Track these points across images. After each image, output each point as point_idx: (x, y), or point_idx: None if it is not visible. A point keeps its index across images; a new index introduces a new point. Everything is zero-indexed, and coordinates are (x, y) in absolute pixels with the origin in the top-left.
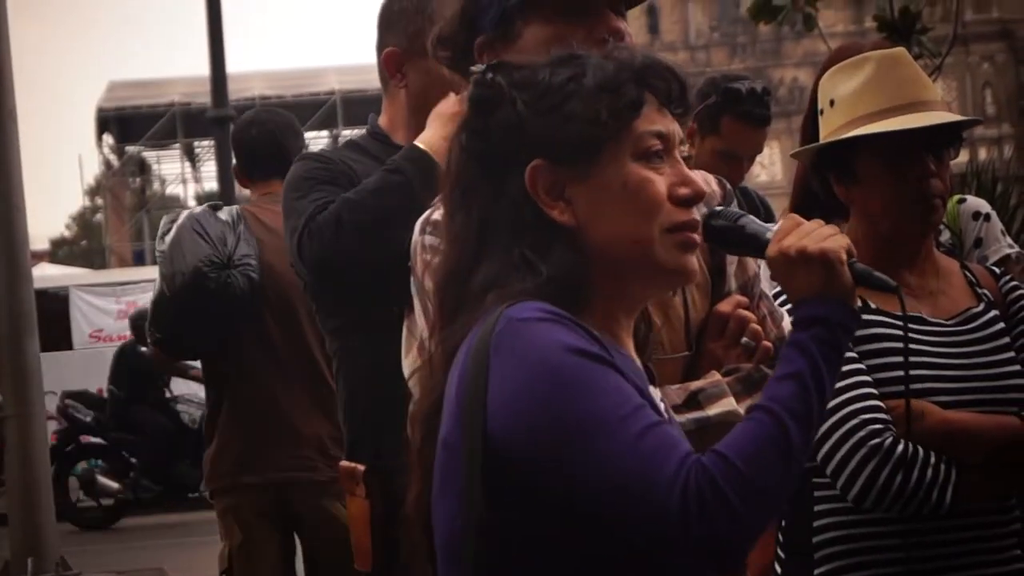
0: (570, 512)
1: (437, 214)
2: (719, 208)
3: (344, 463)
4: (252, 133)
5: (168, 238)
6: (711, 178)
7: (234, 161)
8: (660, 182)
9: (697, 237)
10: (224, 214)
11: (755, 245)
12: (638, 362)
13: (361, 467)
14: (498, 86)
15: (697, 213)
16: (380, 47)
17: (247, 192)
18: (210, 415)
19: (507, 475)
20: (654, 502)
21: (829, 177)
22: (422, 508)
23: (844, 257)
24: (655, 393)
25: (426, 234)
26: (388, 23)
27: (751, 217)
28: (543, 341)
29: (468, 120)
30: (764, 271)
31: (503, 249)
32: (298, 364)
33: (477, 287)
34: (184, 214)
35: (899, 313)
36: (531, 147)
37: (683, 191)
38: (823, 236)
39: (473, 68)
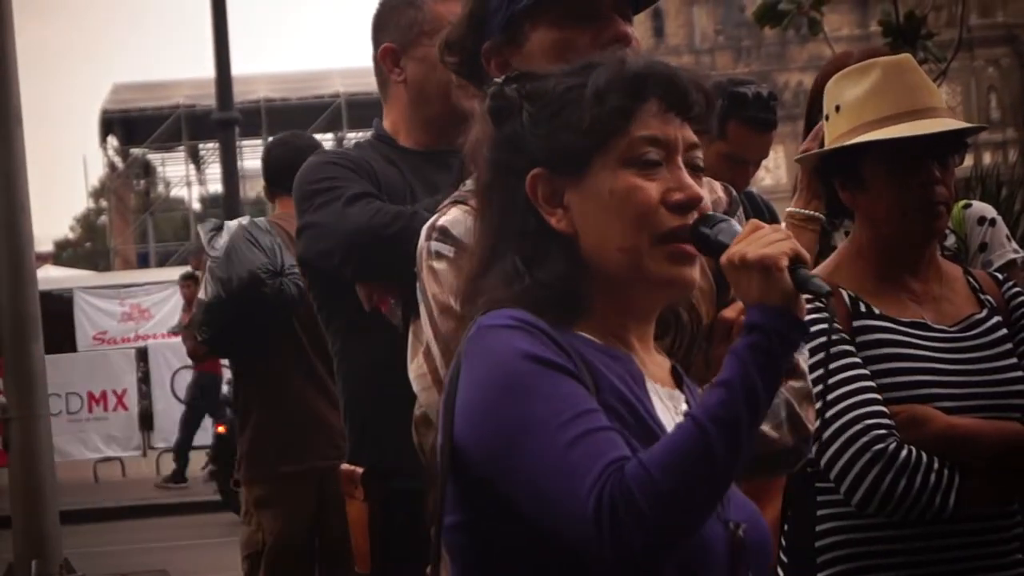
0: (518, 514)
1: (443, 220)
2: (709, 214)
3: (344, 466)
4: (278, 152)
5: (221, 244)
6: (717, 185)
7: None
8: (651, 188)
9: (689, 248)
10: (263, 224)
11: (718, 251)
12: (651, 365)
13: (360, 469)
14: (509, 97)
15: (688, 219)
16: (375, 50)
17: (252, 194)
18: (244, 411)
19: (469, 476)
20: (573, 510)
21: (834, 182)
22: (437, 509)
23: (783, 263)
24: (664, 392)
25: (432, 240)
26: (381, 25)
27: (731, 223)
28: (501, 347)
29: (489, 131)
30: None
31: (508, 255)
32: (322, 364)
33: (478, 294)
34: (234, 223)
35: (906, 319)
36: (532, 156)
37: (676, 196)
38: (767, 242)
39: (496, 79)
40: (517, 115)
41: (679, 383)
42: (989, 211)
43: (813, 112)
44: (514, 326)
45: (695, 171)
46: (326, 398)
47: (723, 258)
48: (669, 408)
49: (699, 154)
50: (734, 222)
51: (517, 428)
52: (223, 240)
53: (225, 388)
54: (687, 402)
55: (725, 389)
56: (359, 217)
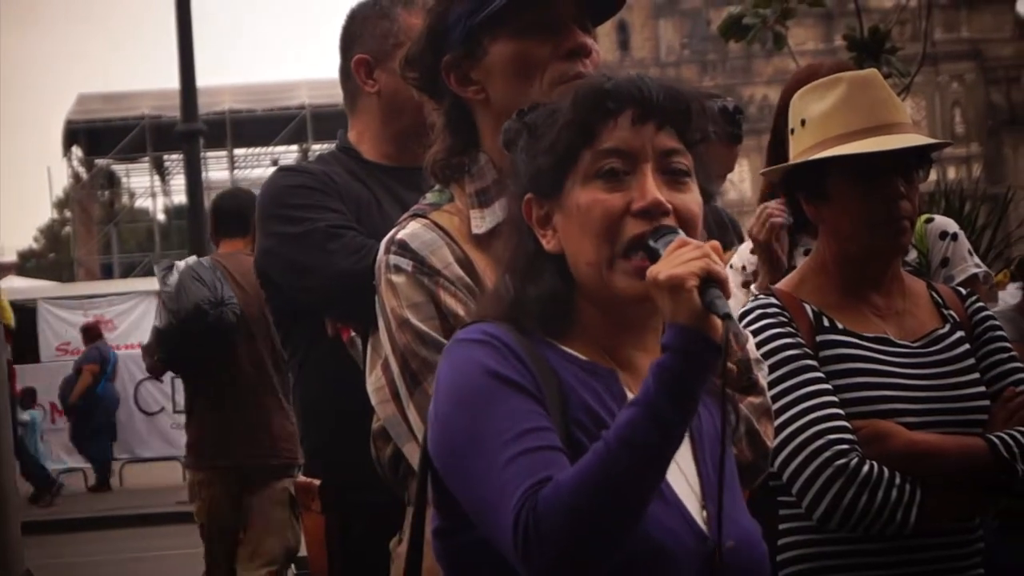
0: (471, 519)
1: (402, 233)
2: (661, 225)
3: (300, 479)
4: (227, 203)
5: (172, 281)
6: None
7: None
8: (614, 199)
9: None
10: (207, 263)
11: None
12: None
13: (317, 482)
14: (512, 128)
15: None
16: (345, 62)
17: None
18: (189, 412)
19: (438, 485)
20: (501, 528)
21: (799, 196)
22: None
23: (691, 283)
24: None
25: (391, 253)
26: (353, 36)
27: (672, 237)
28: (464, 361)
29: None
30: (735, 288)
31: (504, 275)
32: (257, 377)
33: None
34: (182, 264)
35: (870, 334)
36: (524, 182)
37: (638, 204)
38: (680, 261)
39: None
40: (515, 145)
41: None
42: (951, 226)
43: (780, 124)
44: (482, 340)
45: (676, 176)
46: (257, 408)
47: (647, 275)
48: None
49: (679, 159)
50: (680, 234)
51: (467, 443)
52: (174, 277)
53: None
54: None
55: (633, 408)
56: (344, 261)
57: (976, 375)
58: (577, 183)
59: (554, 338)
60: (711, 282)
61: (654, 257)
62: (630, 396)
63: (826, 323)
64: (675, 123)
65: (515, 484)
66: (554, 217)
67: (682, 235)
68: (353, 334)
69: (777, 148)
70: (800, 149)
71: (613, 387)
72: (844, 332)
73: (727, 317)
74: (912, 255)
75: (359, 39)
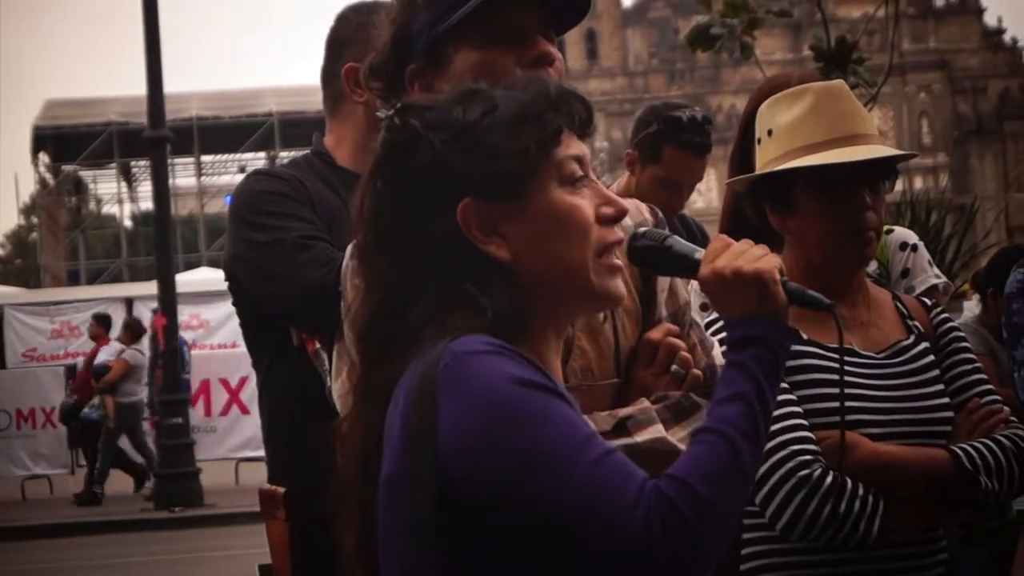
0: (526, 545)
1: None
2: (643, 229)
3: (264, 487)
4: None
5: None
6: (643, 206)
7: None
8: (586, 206)
9: (618, 262)
10: None
11: (685, 266)
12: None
13: (281, 490)
14: (412, 128)
15: (621, 232)
16: (331, 66)
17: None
18: None
19: (461, 510)
20: (618, 530)
21: (764, 206)
22: (365, 548)
23: (778, 276)
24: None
25: (355, 259)
26: (344, 40)
27: (676, 238)
28: (490, 374)
29: (383, 165)
30: (694, 299)
31: (437, 288)
32: None
33: (411, 327)
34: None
35: (833, 345)
36: (456, 186)
37: (606, 210)
38: (756, 256)
39: (379, 114)
40: (425, 147)
41: None
42: (911, 237)
43: (746, 133)
44: (493, 351)
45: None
46: None
47: (707, 272)
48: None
49: (596, 164)
50: (677, 236)
51: (529, 460)
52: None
53: None
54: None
55: (742, 402)
56: (313, 272)
57: (940, 386)
58: (543, 187)
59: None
60: (783, 276)
61: (660, 257)
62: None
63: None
64: (589, 132)
65: (619, 484)
66: (502, 223)
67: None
68: (318, 346)
69: (741, 157)
70: (766, 159)
71: (571, 396)
72: (808, 343)
73: (832, 307)
74: (872, 266)
75: (350, 45)
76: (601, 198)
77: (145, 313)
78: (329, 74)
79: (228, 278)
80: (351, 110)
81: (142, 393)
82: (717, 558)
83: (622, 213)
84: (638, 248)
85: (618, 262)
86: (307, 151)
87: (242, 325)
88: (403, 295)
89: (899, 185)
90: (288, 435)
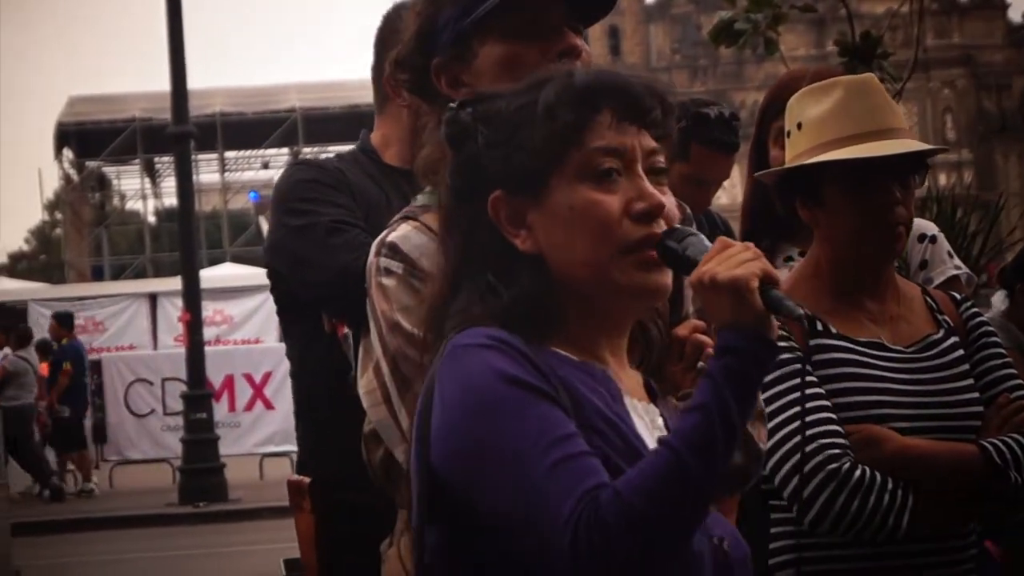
0: (494, 536)
1: (392, 236)
2: (677, 227)
3: (292, 477)
4: None
5: None
6: (672, 200)
7: None
8: (611, 201)
9: (654, 256)
10: None
11: (689, 269)
12: (626, 380)
13: (307, 480)
14: (464, 122)
15: (659, 228)
16: (379, 61)
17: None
18: None
19: (445, 500)
20: (549, 537)
21: (794, 200)
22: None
23: (754, 284)
24: (640, 407)
25: (381, 256)
26: (392, 40)
27: (700, 238)
28: (477, 367)
29: (449, 158)
30: None
31: (476, 278)
32: None
33: (449, 316)
34: None
35: (863, 339)
36: (490, 179)
37: (639, 206)
38: (737, 262)
39: (451, 105)
40: (472, 139)
41: (652, 397)
42: (930, 228)
43: (763, 128)
44: (490, 345)
45: (657, 176)
46: None
47: (693, 277)
48: (647, 423)
49: (660, 159)
50: (703, 237)
51: (495, 453)
52: None
53: None
54: (661, 415)
55: (700, 414)
56: (344, 256)
57: (970, 381)
58: (565, 182)
59: (540, 340)
60: (769, 283)
61: (674, 259)
62: (627, 397)
63: (819, 327)
64: (653, 121)
65: (564, 492)
66: (528, 216)
67: (703, 237)
68: (347, 331)
69: (758, 152)
70: (796, 152)
71: (611, 388)
72: (837, 336)
73: (803, 318)
74: None
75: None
76: (636, 192)
77: (170, 309)
78: (378, 71)
79: (267, 265)
80: (397, 109)
81: (28, 398)
82: (659, 567)
83: (655, 208)
84: (664, 246)
85: (653, 255)
86: (352, 146)
87: (279, 313)
88: (455, 284)
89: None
90: (314, 424)
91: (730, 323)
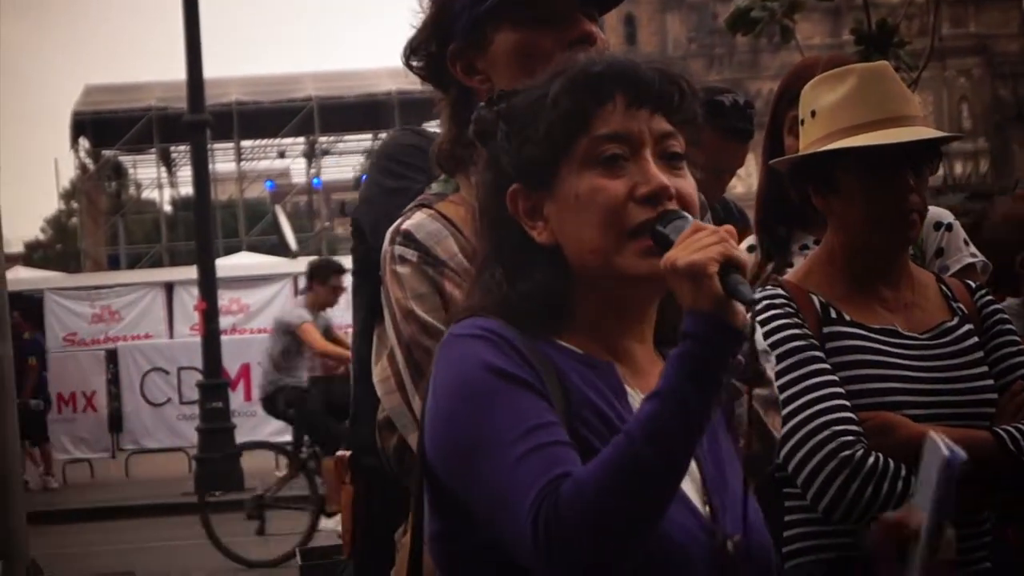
0: (479, 525)
1: (407, 224)
2: (668, 210)
3: (339, 452)
4: None
5: None
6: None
7: None
8: (616, 186)
9: None
10: None
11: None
12: (648, 367)
13: (348, 452)
14: (487, 119)
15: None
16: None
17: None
18: None
19: (436, 485)
20: (516, 527)
21: (808, 188)
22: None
23: (712, 269)
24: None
25: (396, 244)
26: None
27: (685, 221)
28: (463, 357)
29: (481, 154)
30: None
31: (495, 270)
32: None
33: (460, 309)
34: None
35: (876, 326)
36: (509, 173)
37: (642, 189)
38: (699, 247)
39: (481, 104)
40: (494, 135)
41: None
42: (946, 216)
43: (777, 117)
44: (480, 336)
45: (673, 160)
46: None
47: (661, 263)
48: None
49: (675, 143)
50: (689, 219)
51: (472, 441)
52: None
53: None
54: None
55: (656, 401)
56: None
57: (984, 368)
58: (573, 171)
59: (548, 333)
60: (731, 267)
61: (663, 242)
62: (629, 390)
63: (833, 314)
64: (668, 106)
65: (529, 481)
66: (544, 207)
67: (691, 220)
68: None
69: (772, 140)
70: (809, 140)
71: (611, 380)
72: (851, 324)
73: (754, 303)
74: None
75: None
76: (641, 176)
77: (186, 298)
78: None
79: (352, 223)
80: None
81: None
82: (618, 558)
83: (659, 190)
84: (653, 228)
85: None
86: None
87: (353, 274)
88: (481, 275)
89: (939, 169)
90: (359, 394)
91: (689, 308)
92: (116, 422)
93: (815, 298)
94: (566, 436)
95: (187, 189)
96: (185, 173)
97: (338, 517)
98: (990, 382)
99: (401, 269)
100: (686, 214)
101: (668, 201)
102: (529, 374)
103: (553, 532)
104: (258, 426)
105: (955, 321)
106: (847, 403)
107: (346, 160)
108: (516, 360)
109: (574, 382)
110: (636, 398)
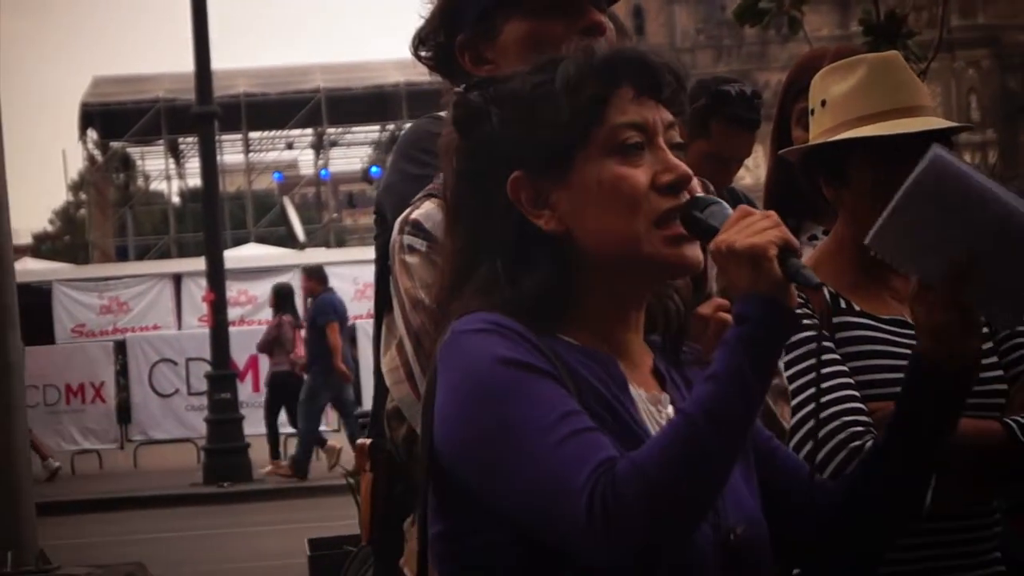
0: (502, 519)
1: (416, 214)
2: (700, 196)
3: (360, 440)
4: None
5: None
6: (695, 180)
7: None
8: (639, 174)
9: (685, 231)
10: None
11: (711, 238)
12: (641, 361)
13: (369, 441)
14: (475, 104)
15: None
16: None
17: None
18: None
19: (449, 484)
20: (564, 512)
21: (818, 178)
22: (423, 517)
23: (773, 252)
24: (646, 396)
25: (405, 234)
26: None
27: (722, 206)
28: (475, 352)
29: (455, 142)
30: None
31: (490, 263)
32: None
33: (456, 304)
34: None
35: (887, 316)
36: (508, 160)
37: (666, 177)
38: (755, 230)
39: (456, 89)
40: (486, 120)
41: (662, 383)
42: None
43: (785, 108)
44: (488, 330)
45: (675, 150)
46: None
47: (711, 245)
48: (652, 411)
49: (677, 133)
50: (725, 205)
51: (499, 434)
52: None
53: None
54: (673, 402)
55: (715, 383)
56: None
57: (994, 358)
58: (591, 158)
59: (550, 327)
60: (789, 252)
61: (700, 228)
62: (631, 385)
63: (843, 305)
64: (671, 96)
65: (576, 465)
66: (552, 195)
67: (726, 205)
68: None
69: (780, 131)
70: (819, 130)
71: (614, 373)
72: (860, 314)
73: (819, 287)
74: None
75: None
76: (662, 164)
77: (194, 289)
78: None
79: (376, 209)
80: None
81: None
82: (676, 538)
83: (684, 179)
84: (690, 216)
85: (683, 231)
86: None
87: (377, 259)
88: (468, 269)
89: None
90: (378, 389)
91: (747, 291)
92: (125, 413)
93: (825, 288)
94: (594, 424)
95: (195, 180)
96: (193, 165)
97: None
98: (999, 372)
99: (410, 259)
100: (720, 200)
101: (686, 189)
102: (545, 363)
103: (612, 512)
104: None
105: None
106: (856, 394)
107: (354, 152)
108: (529, 349)
109: (582, 373)
110: (635, 390)
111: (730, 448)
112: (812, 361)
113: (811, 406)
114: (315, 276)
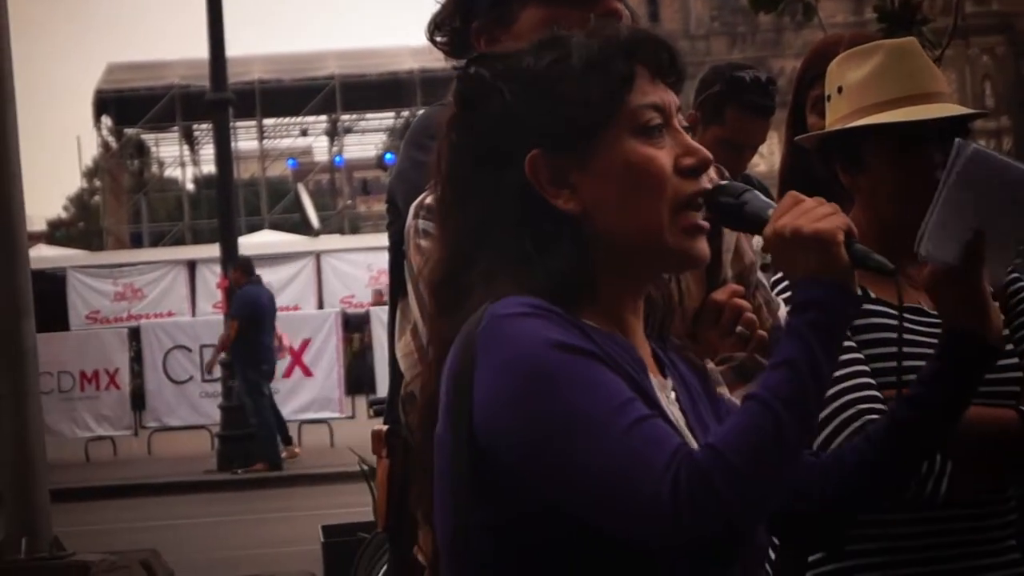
0: (557, 509)
1: (431, 198)
2: (725, 182)
3: (376, 427)
4: None
5: None
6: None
7: None
8: (663, 156)
9: (703, 222)
10: None
11: (755, 224)
12: (645, 347)
13: (386, 428)
14: (482, 79)
15: (707, 183)
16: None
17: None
18: None
19: (494, 473)
20: (645, 497)
21: (834, 164)
22: (426, 506)
23: (840, 238)
24: (656, 382)
25: (419, 218)
26: None
27: (755, 193)
28: (525, 337)
29: (456, 117)
30: (758, 260)
31: (503, 244)
32: None
33: (473, 283)
34: None
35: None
36: (526, 137)
37: (688, 161)
38: (820, 215)
39: (453, 65)
40: (495, 97)
41: (662, 369)
42: None
43: (799, 95)
44: (532, 313)
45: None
46: None
47: (769, 231)
48: (662, 397)
49: (683, 117)
50: (759, 193)
51: (560, 421)
52: None
53: None
54: (674, 389)
55: (788, 369)
56: None
57: (1010, 346)
58: (617, 137)
59: (575, 311)
60: (852, 238)
61: (732, 214)
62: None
63: (858, 292)
64: (677, 80)
65: (651, 450)
66: (572, 175)
67: (758, 192)
68: None
69: (795, 118)
70: (836, 116)
71: (636, 358)
72: (876, 301)
73: (893, 273)
74: None
75: None
76: (683, 148)
77: (208, 276)
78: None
79: (388, 198)
80: None
81: None
82: (753, 524)
83: (705, 162)
84: (719, 203)
85: (700, 223)
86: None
87: (390, 249)
88: (472, 249)
89: None
90: (394, 376)
91: (813, 277)
92: (139, 400)
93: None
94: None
95: (209, 167)
96: (207, 151)
97: None
98: (1015, 360)
99: (425, 243)
100: (749, 187)
101: (706, 173)
102: (595, 347)
103: (698, 496)
104: (280, 404)
105: None
106: (872, 381)
107: (368, 138)
108: (577, 334)
109: (616, 359)
110: (651, 376)
111: (804, 432)
112: None
113: (827, 393)
114: (240, 267)
